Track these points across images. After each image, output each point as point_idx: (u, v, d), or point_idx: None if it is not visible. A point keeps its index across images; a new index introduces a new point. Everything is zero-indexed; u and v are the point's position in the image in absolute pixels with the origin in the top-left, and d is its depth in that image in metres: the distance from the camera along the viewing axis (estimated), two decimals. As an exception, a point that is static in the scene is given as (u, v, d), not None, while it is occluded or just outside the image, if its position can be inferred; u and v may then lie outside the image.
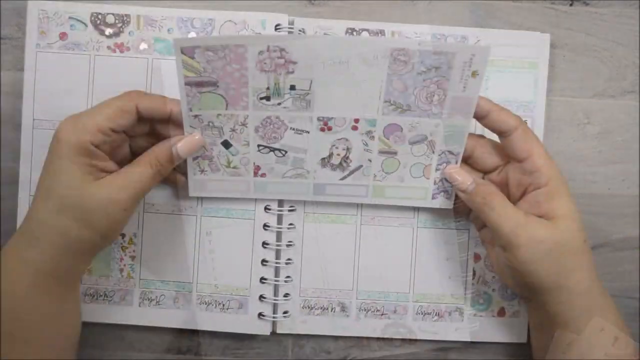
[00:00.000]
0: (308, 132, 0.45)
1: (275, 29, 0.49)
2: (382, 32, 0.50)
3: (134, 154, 0.44)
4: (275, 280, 0.50)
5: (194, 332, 0.51)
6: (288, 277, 0.50)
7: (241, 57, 0.41)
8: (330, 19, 0.50)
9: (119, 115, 0.41)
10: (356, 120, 0.44)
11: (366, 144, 0.45)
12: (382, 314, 0.50)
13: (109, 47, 0.49)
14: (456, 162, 0.45)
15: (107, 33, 0.49)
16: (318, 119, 0.44)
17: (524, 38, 0.50)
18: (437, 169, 0.46)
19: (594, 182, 0.51)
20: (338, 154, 0.46)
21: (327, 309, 0.50)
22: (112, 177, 0.40)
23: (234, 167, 0.46)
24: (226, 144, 0.45)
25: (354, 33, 0.50)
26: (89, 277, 0.50)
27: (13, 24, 0.51)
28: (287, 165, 0.46)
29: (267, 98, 0.43)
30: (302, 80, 0.42)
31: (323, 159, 0.46)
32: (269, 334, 0.50)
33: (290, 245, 0.50)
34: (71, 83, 0.49)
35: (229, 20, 0.49)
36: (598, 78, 0.51)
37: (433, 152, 0.45)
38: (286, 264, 0.50)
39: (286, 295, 0.50)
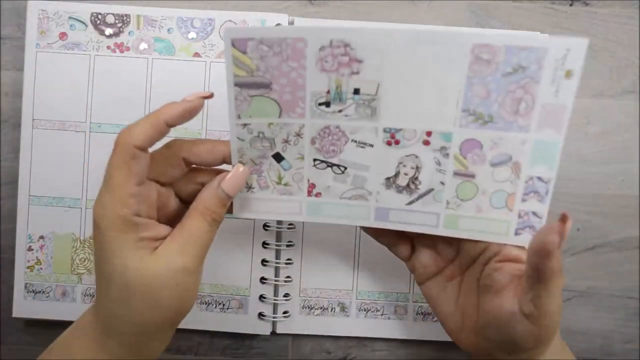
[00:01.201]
0: (372, 145, 0.38)
1: (275, 29, 0.49)
2: None
3: (182, 200, 0.39)
4: (275, 281, 0.50)
5: (194, 332, 0.51)
6: (288, 277, 0.50)
7: (300, 53, 0.35)
8: (330, 19, 0.50)
9: (162, 173, 0.37)
10: (428, 134, 0.37)
11: (439, 163, 0.38)
12: (382, 314, 0.50)
13: (109, 47, 0.49)
14: (546, 193, 0.37)
15: (107, 33, 0.49)
16: (384, 131, 0.37)
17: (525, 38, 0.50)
18: (523, 200, 0.38)
19: (594, 182, 0.51)
20: (405, 174, 0.38)
21: (327, 309, 0.50)
22: (167, 244, 0.35)
23: (285, 184, 0.39)
24: (278, 158, 0.39)
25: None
26: (89, 277, 0.50)
27: (13, 24, 0.51)
28: (347, 184, 0.39)
29: (327, 104, 0.37)
30: (368, 83, 0.36)
31: (388, 178, 0.39)
32: (269, 334, 0.50)
33: (290, 245, 0.50)
34: (71, 83, 0.49)
35: (229, 20, 0.49)
36: (598, 78, 0.51)
37: (518, 177, 0.37)
38: (286, 264, 0.50)
39: (286, 295, 0.50)
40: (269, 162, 0.39)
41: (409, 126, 0.37)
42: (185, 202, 0.39)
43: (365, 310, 0.50)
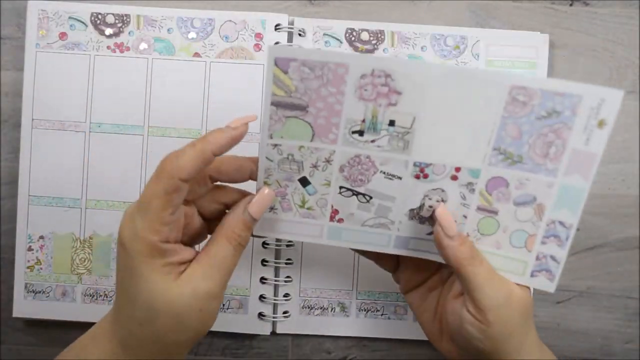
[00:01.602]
0: (400, 178, 0.38)
1: (275, 29, 0.49)
2: (381, 33, 0.50)
3: (204, 217, 0.39)
4: (275, 281, 0.50)
5: (194, 332, 0.51)
6: (288, 277, 0.50)
7: (340, 78, 0.35)
8: (330, 19, 0.50)
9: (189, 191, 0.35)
10: (457, 169, 0.37)
11: (464, 197, 0.38)
12: (382, 314, 0.50)
13: (108, 47, 0.49)
14: (567, 239, 0.38)
15: (107, 33, 0.49)
16: (414, 165, 0.37)
17: (523, 38, 0.50)
18: (542, 242, 0.38)
19: (594, 182, 0.51)
20: (430, 206, 0.38)
21: (327, 309, 0.50)
22: (193, 269, 0.35)
23: (309, 209, 0.39)
24: (304, 182, 0.38)
25: (354, 33, 0.50)
26: (89, 277, 0.50)
27: (13, 24, 0.51)
28: (370, 213, 0.39)
29: (361, 133, 0.36)
30: (404, 116, 0.35)
31: (412, 209, 0.39)
32: (269, 334, 0.50)
33: (290, 245, 0.50)
34: (71, 83, 0.49)
35: (229, 20, 0.49)
36: (598, 78, 0.51)
37: (540, 219, 0.38)
38: (286, 264, 0.50)
39: (286, 295, 0.50)
40: (294, 186, 0.38)
41: (439, 161, 0.37)
42: (207, 219, 0.39)
43: (365, 310, 0.50)
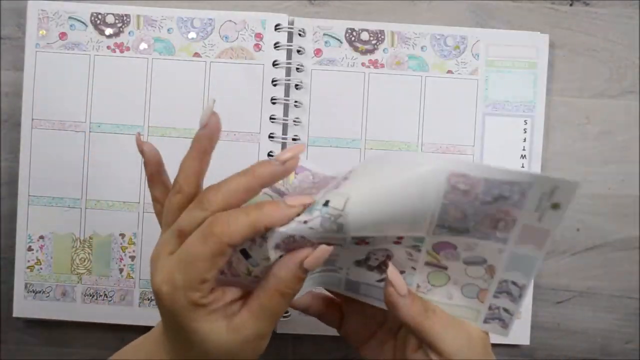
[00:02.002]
0: (341, 245, 0.35)
1: (275, 29, 0.49)
2: (382, 33, 0.50)
3: None
4: (275, 281, 0.50)
5: (194, 332, 0.50)
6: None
7: None
8: (330, 19, 0.50)
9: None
10: (400, 238, 0.35)
11: (410, 255, 0.36)
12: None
13: (108, 47, 0.49)
14: (520, 296, 0.35)
15: (107, 33, 0.49)
16: (353, 238, 0.34)
17: (523, 38, 0.50)
18: (495, 297, 0.36)
19: (594, 182, 0.51)
20: (377, 259, 0.37)
21: (327, 309, 0.50)
22: (244, 319, 0.34)
23: (255, 276, 0.35)
24: (245, 254, 0.34)
25: (354, 33, 0.50)
26: (88, 277, 0.50)
27: (13, 24, 0.51)
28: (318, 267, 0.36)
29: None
30: (338, 196, 0.32)
31: (358, 261, 0.38)
32: (269, 334, 0.50)
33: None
34: (71, 83, 0.49)
35: (228, 20, 0.49)
36: (598, 78, 0.51)
37: (492, 277, 0.36)
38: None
39: (286, 295, 0.50)
40: (237, 256, 0.34)
41: (378, 235, 0.34)
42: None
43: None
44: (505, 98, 0.50)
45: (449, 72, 0.50)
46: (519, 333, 0.50)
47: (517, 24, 0.51)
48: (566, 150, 0.51)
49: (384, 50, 0.50)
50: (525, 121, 0.50)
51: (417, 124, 0.50)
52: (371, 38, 0.50)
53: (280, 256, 0.34)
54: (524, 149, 0.50)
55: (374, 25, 0.50)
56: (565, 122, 0.51)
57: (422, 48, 0.50)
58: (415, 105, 0.50)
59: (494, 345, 0.51)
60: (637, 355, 0.51)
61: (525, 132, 0.50)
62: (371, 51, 0.50)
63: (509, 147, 0.50)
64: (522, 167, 0.50)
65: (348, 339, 0.43)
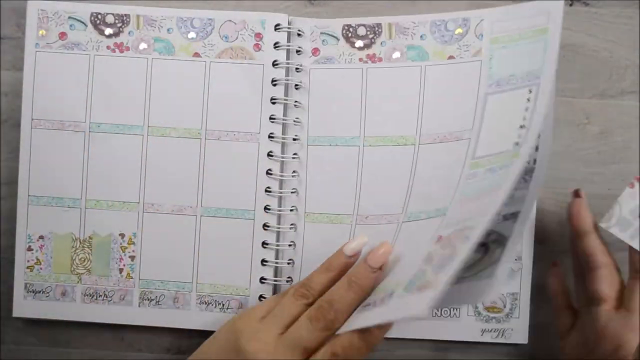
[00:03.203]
0: None
1: (275, 29, 0.49)
2: (379, 26, 0.49)
3: None
4: (275, 281, 0.50)
5: (194, 332, 0.50)
6: (289, 277, 0.50)
7: None
8: (330, 19, 0.50)
9: None
10: None
11: None
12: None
13: (108, 47, 0.49)
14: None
15: (106, 33, 0.49)
16: None
17: (532, 8, 0.45)
18: None
19: (594, 182, 0.51)
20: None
21: (327, 309, 0.50)
22: None
23: None
24: None
25: (351, 29, 0.49)
26: (88, 277, 0.50)
27: (13, 24, 0.51)
28: None
29: None
30: None
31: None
32: (268, 334, 0.50)
33: (291, 245, 0.50)
34: (70, 83, 0.49)
35: (228, 20, 0.49)
36: (598, 78, 0.51)
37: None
38: (287, 264, 0.50)
39: (286, 295, 0.50)
40: None
41: None
42: None
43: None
44: (511, 72, 0.45)
45: (451, 57, 0.48)
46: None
47: (517, 24, 0.51)
48: (566, 150, 0.51)
49: (381, 43, 0.49)
50: (530, 90, 0.43)
51: (416, 116, 0.49)
52: (368, 32, 0.49)
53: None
54: (524, 119, 0.43)
55: (370, 20, 0.49)
56: (565, 122, 0.51)
57: (421, 36, 0.49)
58: (414, 96, 0.49)
59: (492, 345, 0.51)
60: (637, 355, 0.51)
61: (529, 101, 0.43)
62: (368, 45, 0.49)
63: (508, 121, 0.44)
64: (518, 137, 0.42)
65: (564, 354, 0.47)
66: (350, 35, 0.49)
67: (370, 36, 0.49)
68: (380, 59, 0.49)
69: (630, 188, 0.44)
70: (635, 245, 0.43)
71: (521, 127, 0.43)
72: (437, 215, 0.45)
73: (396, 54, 0.49)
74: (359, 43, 0.49)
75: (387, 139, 0.49)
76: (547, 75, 0.42)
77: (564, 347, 0.47)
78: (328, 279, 0.42)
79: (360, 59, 0.49)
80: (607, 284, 0.44)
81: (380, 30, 0.49)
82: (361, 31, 0.49)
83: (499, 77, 0.46)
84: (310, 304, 0.41)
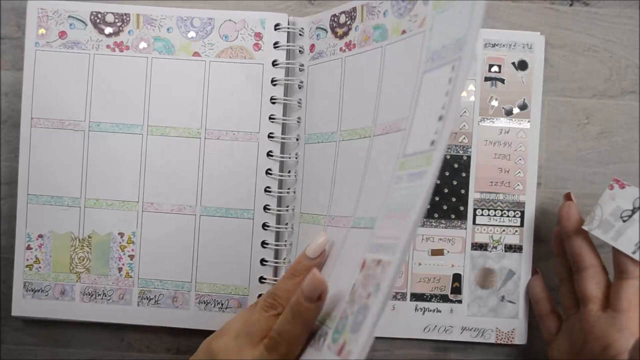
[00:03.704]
0: None
1: (275, 29, 0.49)
2: (354, 10, 0.46)
3: None
4: (274, 280, 0.50)
5: (193, 332, 0.50)
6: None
7: None
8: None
9: None
10: None
11: None
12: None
13: (108, 46, 0.49)
14: None
15: (106, 32, 0.49)
16: None
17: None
18: None
19: (594, 182, 0.51)
20: None
21: (327, 308, 0.50)
22: None
23: None
24: None
25: (335, 19, 0.48)
26: (87, 275, 0.50)
27: (13, 24, 0.51)
28: None
29: None
30: None
31: None
32: (268, 333, 0.50)
33: (290, 245, 0.50)
34: (70, 82, 0.49)
35: (228, 19, 0.49)
36: (598, 78, 0.51)
37: None
38: (285, 263, 0.50)
39: (285, 295, 0.50)
40: None
41: None
42: None
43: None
44: (443, 43, 0.35)
45: (403, 32, 0.41)
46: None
47: (516, 24, 0.51)
48: (566, 150, 0.51)
49: (355, 28, 0.46)
50: (452, 67, 0.33)
51: (374, 104, 0.43)
52: (347, 19, 0.47)
53: None
54: (443, 107, 0.33)
55: (347, 6, 0.47)
56: (565, 122, 0.51)
57: (384, 13, 0.44)
58: (374, 82, 0.43)
59: (491, 345, 0.51)
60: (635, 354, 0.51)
61: (450, 82, 0.33)
62: (346, 33, 0.47)
63: (431, 109, 0.35)
64: (435, 133, 0.33)
65: (551, 355, 0.47)
66: (334, 25, 0.48)
67: (348, 22, 0.47)
68: (354, 46, 0.46)
69: (609, 190, 0.44)
70: (618, 247, 0.43)
71: (440, 118, 0.33)
72: (370, 226, 0.38)
73: (365, 38, 0.45)
74: (340, 32, 0.47)
75: (353, 132, 0.45)
76: (468, 46, 0.32)
77: (551, 351, 0.47)
78: (294, 285, 0.40)
79: (341, 49, 0.47)
80: (594, 284, 0.44)
81: (355, 14, 0.46)
82: (342, 19, 0.47)
83: (435, 49, 0.37)
84: (280, 314, 0.39)
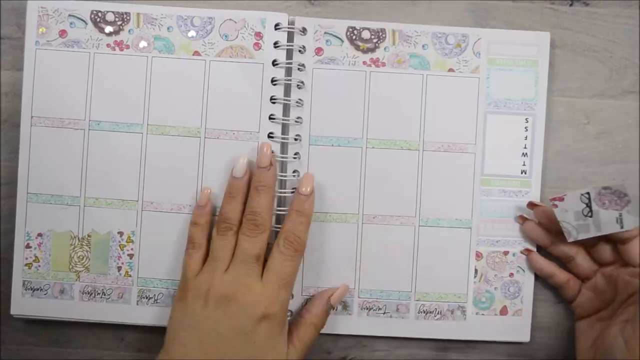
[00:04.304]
0: None
1: (275, 29, 0.49)
2: (382, 31, 0.50)
3: None
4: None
5: (193, 332, 0.50)
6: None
7: None
8: (330, 19, 0.50)
9: None
10: None
11: None
12: (384, 313, 0.50)
13: (108, 45, 0.49)
14: None
15: (106, 31, 0.49)
16: None
17: (524, 36, 0.50)
18: None
19: (594, 182, 0.51)
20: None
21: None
22: (296, 347, 0.45)
23: None
24: None
25: (355, 32, 0.50)
26: (87, 275, 0.49)
27: (13, 24, 0.51)
28: None
29: None
30: None
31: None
32: (268, 333, 0.50)
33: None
34: (70, 81, 0.49)
35: (228, 19, 0.49)
36: (598, 78, 0.51)
37: None
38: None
39: (285, 295, 0.50)
40: None
41: None
42: None
43: (367, 308, 0.50)
44: (506, 96, 0.50)
45: (450, 70, 0.50)
46: (519, 330, 0.50)
47: (516, 24, 0.51)
48: (566, 150, 0.51)
49: (385, 48, 0.50)
50: (526, 119, 0.50)
51: (419, 123, 0.50)
52: (372, 37, 0.50)
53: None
54: (525, 147, 0.50)
55: (375, 25, 0.50)
56: (565, 122, 0.51)
57: (423, 46, 0.50)
58: (417, 103, 0.50)
59: (493, 343, 0.51)
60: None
61: (527, 130, 0.50)
62: (372, 50, 0.50)
63: (510, 145, 0.50)
64: (524, 165, 0.50)
65: (575, 310, 0.49)
66: (354, 37, 0.50)
67: (375, 40, 0.50)
68: (383, 64, 0.50)
69: (557, 208, 0.45)
70: (603, 232, 0.45)
71: (523, 154, 0.50)
72: (461, 227, 0.50)
73: (399, 61, 0.50)
74: (363, 47, 0.50)
75: (391, 142, 0.50)
76: (540, 108, 0.50)
77: (576, 308, 0.49)
78: (237, 204, 0.46)
79: (364, 62, 0.50)
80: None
81: (384, 35, 0.50)
82: (365, 35, 0.50)
83: (496, 97, 0.50)
84: (236, 232, 0.45)
